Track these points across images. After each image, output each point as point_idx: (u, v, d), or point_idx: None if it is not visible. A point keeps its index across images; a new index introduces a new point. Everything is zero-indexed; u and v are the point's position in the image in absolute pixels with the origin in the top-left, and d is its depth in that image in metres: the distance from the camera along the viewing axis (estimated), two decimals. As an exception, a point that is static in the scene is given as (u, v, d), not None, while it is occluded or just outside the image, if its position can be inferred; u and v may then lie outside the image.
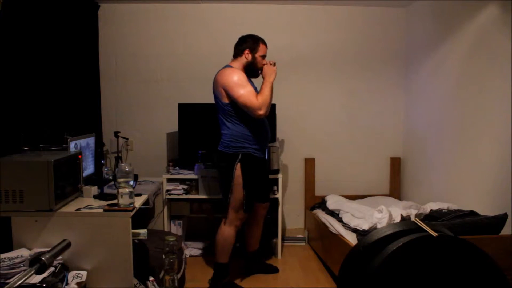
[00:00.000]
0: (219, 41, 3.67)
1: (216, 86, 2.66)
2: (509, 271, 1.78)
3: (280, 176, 3.30)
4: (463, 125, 2.90)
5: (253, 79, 2.77)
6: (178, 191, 3.28)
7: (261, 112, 2.53)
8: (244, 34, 3.61)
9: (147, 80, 3.69)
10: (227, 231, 2.72)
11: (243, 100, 2.52)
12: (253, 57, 2.70)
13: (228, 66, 2.74)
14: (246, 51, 2.69)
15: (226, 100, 2.61)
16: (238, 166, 2.62)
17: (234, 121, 2.63)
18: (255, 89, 2.67)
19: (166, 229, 3.31)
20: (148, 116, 3.71)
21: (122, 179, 2.12)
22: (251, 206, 2.74)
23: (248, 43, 2.70)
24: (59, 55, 2.88)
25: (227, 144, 2.66)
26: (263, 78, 2.67)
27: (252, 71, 2.73)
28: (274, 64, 2.70)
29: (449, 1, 3.03)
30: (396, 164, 3.85)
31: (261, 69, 2.71)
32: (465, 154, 2.87)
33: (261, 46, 2.72)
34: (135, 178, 2.22)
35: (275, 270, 3.10)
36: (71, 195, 2.22)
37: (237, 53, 2.74)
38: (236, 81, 2.56)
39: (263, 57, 2.73)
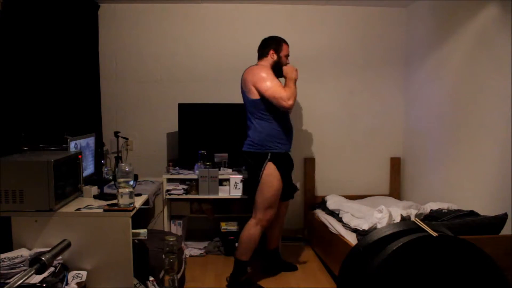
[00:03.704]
0: (219, 41, 3.68)
1: (245, 83, 2.72)
2: (509, 271, 1.78)
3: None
4: (463, 125, 2.90)
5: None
6: (178, 191, 3.28)
7: (290, 102, 2.60)
8: (245, 34, 3.64)
9: (147, 80, 3.69)
10: (253, 229, 2.74)
11: (272, 92, 2.60)
12: (278, 57, 2.80)
13: (254, 65, 2.81)
14: (271, 52, 2.79)
15: (256, 97, 2.66)
16: (268, 165, 2.66)
17: (263, 118, 2.68)
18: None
19: (166, 229, 3.31)
20: (148, 116, 3.71)
21: (122, 179, 2.12)
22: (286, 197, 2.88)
23: (272, 45, 2.81)
24: (59, 55, 2.88)
25: (255, 142, 2.70)
26: (285, 77, 2.75)
27: (278, 70, 2.80)
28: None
29: (449, 1, 3.03)
30: (396, 164, 3.84)
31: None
32: (465, 154, 2.87)
33: (284, 46, 2.83)
34: (135, 178, 2.22)
35: (294, 267, 3.12)
36: (71, 195, 2.22)
37: (262, 54, 2.83)
38: (264, 76, 2.65)
39: (287, 56, 2.84)
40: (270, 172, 2.67)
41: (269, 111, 2.67)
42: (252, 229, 2.74)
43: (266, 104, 2.65)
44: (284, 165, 2.77)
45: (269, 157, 2.67)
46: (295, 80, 2.71)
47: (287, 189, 2.92)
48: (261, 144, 2.69)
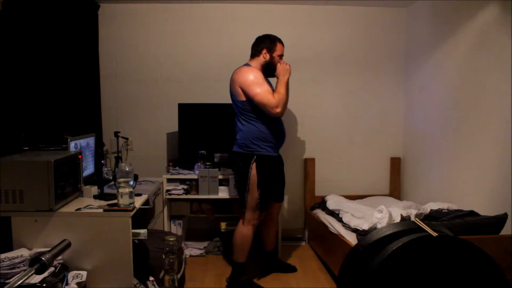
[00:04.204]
0: (220, 41, 3.68)
1: (233, 84, 2.68)
2: (509, 271, 1.78)
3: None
4: (463, 125, 2.90)
5: (270, 79, 2.79)
6: (178, 191, 3.28)
7: (278, 110, 2.56)
8: (245, 34, 3.62)
9: (147, 80, 3.69)
10: (245, 230, 2.73)
11: (260, 98, 2.55)
12: (271, 57, 2.73)
13: (246, 64, 2.76)
14: (264, 51, 2.73)
15: (243, 98, 2.63)
16: (253, 166, 2.64)
17: (250, 120, 2.65)
18: (272, 88, 2.69)
19: (166, 229, 3.31)
20: (148, 116, 3.71)
21: (122, 179, 2.12)
22: (266, 205, 2.76)
23: (265, 43, 2.74)
24: (59, 55, 2.88)
25: (242, 144, 2.68)
26: (277, 77, 2.70)
27: (270, 70, 2.75)
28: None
29: (449, 1, 3.03)
30: (396, 164, 3.84)
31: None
32: (465, 154, 2.87)
33: (278, 46, 2.75)
34: (135, 178, 2.22)
35: (292, 269, 3.11)
36: (71, 195, 2.22)
37: (255, 53, 2.77)
38: (253, 80, 2.59)
39: (281, 56, 2.77)
40: (255, 173, 2.65)
41: (256, 114, 2.63)
42: (244, 229, 2.73)
43: (253, 106, 2.62)
44: (272, 168, 2.74)
45: (254, 158, 2.65)
46: (288, 80, 2.67)
47: (278, 191, 2.91)
48: (247, 146, 2.67)
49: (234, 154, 2.75)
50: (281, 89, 2.61)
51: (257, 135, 2.65)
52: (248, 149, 2.66)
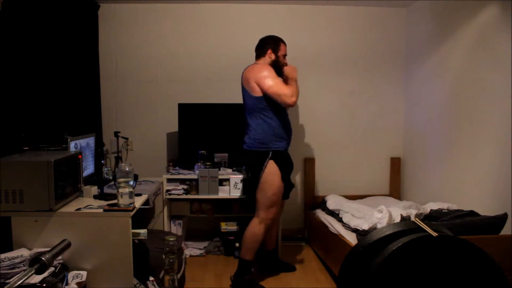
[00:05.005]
0: (219, 41, 3.68)
1: (247, 81, 2.72)
2: (509, 271, 1.78)
3: (280, 176, 3.30)
4: (463, 125, 2.90)
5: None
6: (178, 191, 3.28)
7: (294, 99, 2.62)
8: (244, 34, 3.63)
9: (147, 80, 3.69)
10: (257, 228, 2.73)
11: (275, 90, 2.61)
12: (276, 56, 2.80)
13: (255, 63, 2.81)
14: (269, 51, 2.79)
15: (259, 94, 2.67)
16: (270, 163, 2.66)
17: (265, 117, 2.69)
18: None
19: (166, 229, 3.31)
20: (148, 116, 3.71)
21: (122, 179, 2.12)
22: (286, 195, 2.84)
23: (270, 44, 2.80)
24: (59, 55, 2.88)
25: (255, 141, 2.70)
26: (287, 77, 2.74)
27: (276, 69, 2.78)
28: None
29: (449, 1, 3.03)
30: (396, 164, 3.85)
31: (283, 69, 2.78)
32: (465, 154, 2.87)
33: (282, 46, 2.83)
34: (135, 178, 2.22)
35: (292, 268, 3.12)
36: (71, 195, 2.22)
37: (260, 54, 2.83)
38: (267, 74, 2.66)
39: (284, 56, 2.83)
40: (271, 171, 2.66)
41: (270, 109, 2.68)
42: (256, 228, 2.73)
43: (268, 101, 2.66)
44: (285, 164, 2.77)
45: (270, 155, 2.67)
46: (296, 80, 2.72)
47: (286, 188, 2.92)
48: (261, 143, 2.69)
49: (246, 152, 2.76)
50: (293, 84, 2.69)
51: (271, 132, 2.69)
52: (263, 146, 2.68)
